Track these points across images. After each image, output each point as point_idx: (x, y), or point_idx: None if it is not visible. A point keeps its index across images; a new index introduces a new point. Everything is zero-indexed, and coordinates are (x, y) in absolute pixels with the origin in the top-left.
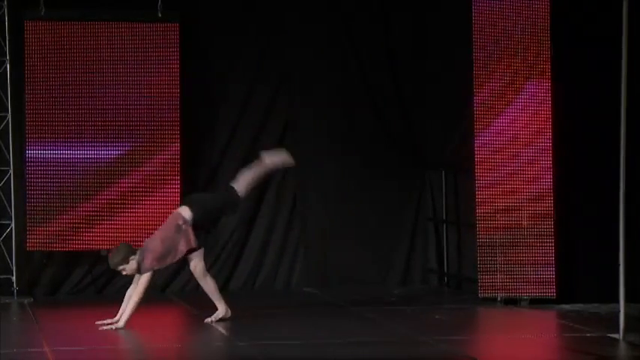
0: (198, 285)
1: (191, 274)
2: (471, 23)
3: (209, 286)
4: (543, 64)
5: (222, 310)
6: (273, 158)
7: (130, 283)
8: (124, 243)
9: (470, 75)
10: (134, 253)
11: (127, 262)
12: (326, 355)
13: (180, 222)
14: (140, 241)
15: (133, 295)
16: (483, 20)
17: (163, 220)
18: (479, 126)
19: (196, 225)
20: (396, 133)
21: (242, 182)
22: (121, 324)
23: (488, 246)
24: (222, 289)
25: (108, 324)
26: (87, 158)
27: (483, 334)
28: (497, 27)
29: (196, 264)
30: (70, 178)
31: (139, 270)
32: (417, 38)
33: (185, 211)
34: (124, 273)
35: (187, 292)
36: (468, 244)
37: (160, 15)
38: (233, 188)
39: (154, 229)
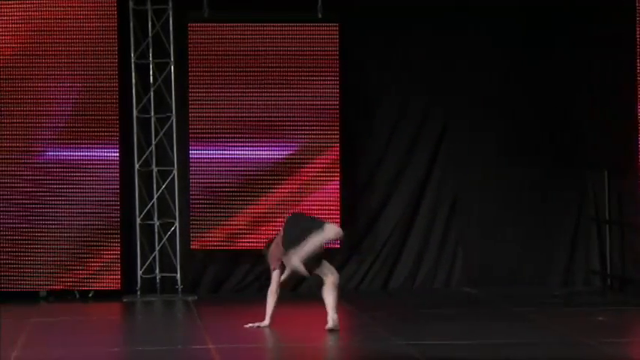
0: (358, 284)
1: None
2: (635, 18)
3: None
4: None
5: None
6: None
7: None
8: None
9: (634, 72)
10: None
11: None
12: (486, 356)
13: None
14: None
15: (268, 294)
16: None
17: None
18: None
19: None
20: (557, 132)
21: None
22: (265, 322)
23: None
24: (382, 288)
25: (255, 324)
26: (248, 159)
27: None
28: None
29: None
30: (231, 179)
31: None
32: (576, 32)
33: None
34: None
35: (346, 291)
36: (632, 245)
37: (320, 16)
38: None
39: None
